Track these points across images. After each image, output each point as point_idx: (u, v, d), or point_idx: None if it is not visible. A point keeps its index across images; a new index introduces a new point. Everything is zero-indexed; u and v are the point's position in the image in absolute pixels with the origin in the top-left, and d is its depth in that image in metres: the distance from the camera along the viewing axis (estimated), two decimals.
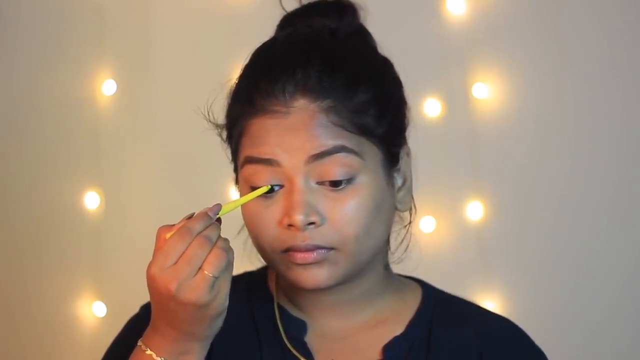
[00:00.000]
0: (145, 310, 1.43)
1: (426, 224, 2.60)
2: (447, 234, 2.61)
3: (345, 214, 1.30)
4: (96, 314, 2.65)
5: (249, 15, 2.62)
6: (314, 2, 1.41)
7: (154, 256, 1.22)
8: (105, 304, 2.65)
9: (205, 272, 1.20)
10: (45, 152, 2.65)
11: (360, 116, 1.31)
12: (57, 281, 2.66)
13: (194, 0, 2.65)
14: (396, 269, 1.45)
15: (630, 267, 2.58)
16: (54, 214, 2.65)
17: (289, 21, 1.42)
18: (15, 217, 2.65)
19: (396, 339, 1.39)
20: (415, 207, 1.40)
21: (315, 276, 1.31)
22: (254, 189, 1.30)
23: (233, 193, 2.60)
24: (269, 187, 1.29)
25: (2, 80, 2.66)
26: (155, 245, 1.23)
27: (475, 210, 2.60)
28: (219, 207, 1.25)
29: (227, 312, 1.25)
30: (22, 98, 2.66)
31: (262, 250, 1.33)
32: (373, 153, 1.32)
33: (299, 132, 1.29)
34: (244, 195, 1.33)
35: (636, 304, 2.59)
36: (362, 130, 1.31)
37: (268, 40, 1.40)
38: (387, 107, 1.34)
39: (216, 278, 1.20)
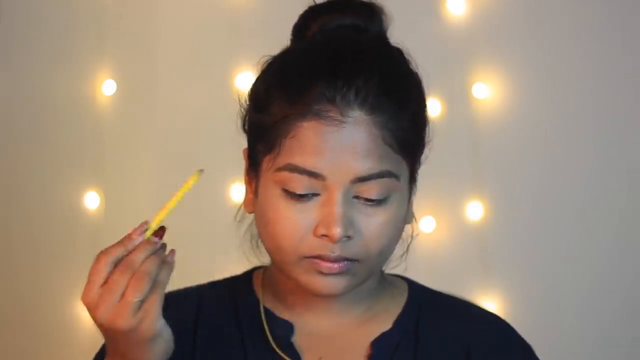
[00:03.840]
0: None
1: (426, 224, 2.60)
2: (447, 234, 2.61)
3: (375, 230, 1.31)
4: None
5: (249, 16, 2.62)
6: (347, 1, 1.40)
7: (84, 287, 1.24)
8: None
9: (128, 298, 1.21)
10: (45, 152, 2.66)
11: (404, 135, 1.31)
12: (57, 281, 2.66)
13: (195, 0, 2.65)
14: (396, 270, 1.46)
15: (630, 267, 2.59)
16: (54, 214, 2.66)
17: (317, 14, 1.38)
18: (15, 217, 2.65)
19: (384, 335, 1.39)
20: (415, 218, 1.42)
21: (333, 285, 1.31)
22: (287, 192, 1.29)
23: (233, 192, 2.61)
24: (198, 174, 1.30)
25: (2, 80, 2.66)
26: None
27: (475, 210, 2.60)
28: (145, 225, 1.26)
29: (210, 317, 1.24)
30: (22, 98, 2.66)
31: (278, 250, 1.31)
32: (404, 172, 1.33)
33: (352, 148, 1.27)
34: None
35: (636, 303, 2.59)
36: (403, 150, 1.31)
37: (316, 34, 1.36)
38: (422, 127, 1.36)
39: (141, 302, 1.21)
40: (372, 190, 1.29)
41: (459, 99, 2.58)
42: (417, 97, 1.36)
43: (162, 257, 1.27)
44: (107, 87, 2.66)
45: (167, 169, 2.66)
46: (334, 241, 1.28)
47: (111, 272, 1.22)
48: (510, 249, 2.61)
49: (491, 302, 2.59)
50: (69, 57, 2.66)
